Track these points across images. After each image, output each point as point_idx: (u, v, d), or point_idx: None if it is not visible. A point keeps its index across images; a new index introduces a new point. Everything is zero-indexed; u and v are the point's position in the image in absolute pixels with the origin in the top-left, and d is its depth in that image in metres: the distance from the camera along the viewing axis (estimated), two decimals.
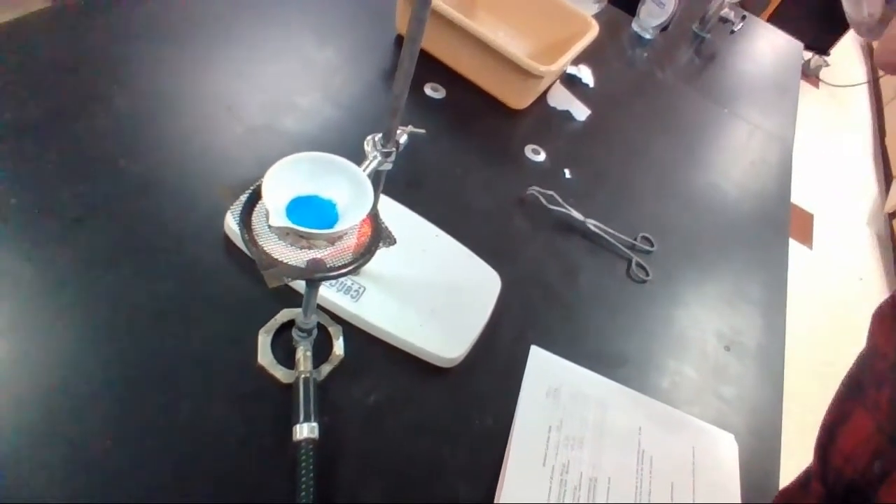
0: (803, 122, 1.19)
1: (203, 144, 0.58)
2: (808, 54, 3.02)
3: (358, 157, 0.38)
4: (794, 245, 2.36)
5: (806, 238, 2.45)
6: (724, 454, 0.54)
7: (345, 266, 0.33)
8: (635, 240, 0.69)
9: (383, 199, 0.57)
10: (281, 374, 0.45)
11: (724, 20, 1.09)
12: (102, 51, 0.60)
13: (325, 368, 0.47)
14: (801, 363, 1.72)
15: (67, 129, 0.53)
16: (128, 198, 0.51)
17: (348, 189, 0.34)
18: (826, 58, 3.04)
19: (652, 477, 0.50)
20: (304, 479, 0.39)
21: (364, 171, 0.36)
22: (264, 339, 0.46)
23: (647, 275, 0.66)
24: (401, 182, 0.61)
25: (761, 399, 0.60)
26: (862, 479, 0.37)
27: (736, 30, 1.09)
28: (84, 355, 0.42)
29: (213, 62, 0.65)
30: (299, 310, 0.44)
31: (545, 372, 0.53)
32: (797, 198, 2.56)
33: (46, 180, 0.49)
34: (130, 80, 0.59)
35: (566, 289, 0.62)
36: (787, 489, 0.50)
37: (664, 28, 1.02)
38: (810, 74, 3.16)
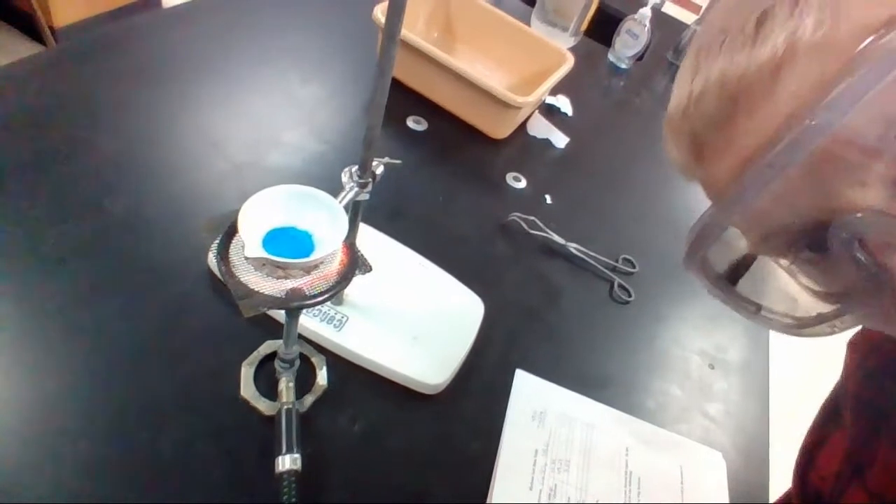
0: None
1: (188, 182, 0.59)
2: None
3: (339, 189, 0.39)
4: None
5: None
6: (712, 472, 0.54)
7: (320, 294, 0.34)
8: (617, 262, 0.70)
9: (366, 229, 0.58)
10: (264, 406, 0.45)
11: None
12: (89, 95, 0.62)
13: (309, 399, 0.47)
14: (792, 384, 1.71)
15: (54, 171, 0.54)
16: (112, 236, 0.51)
17: (324, 219, 0.35)
18: None
19: (640, 497, 0.50)
20: None
21: (340, 201, 0.37)
22: (247, 372, 0.47)
23: (630, 296, 0.67)
24: (384, 213, 0.63)
25: (748, 416, 0.61)
26: (832, 499, 0.37)
27: None
28: (67, 392, 0.42)
29: (198, 101, 0.67)
30: (281, 341, 0.45)
31: (530, 395, 0.54)
32: None
33: (33, 220, 0.50)
34: (117, 121, 0.61)
35: (549, 312, 0.62)
36: None
37: (639, 58, 1.05)
38: None
